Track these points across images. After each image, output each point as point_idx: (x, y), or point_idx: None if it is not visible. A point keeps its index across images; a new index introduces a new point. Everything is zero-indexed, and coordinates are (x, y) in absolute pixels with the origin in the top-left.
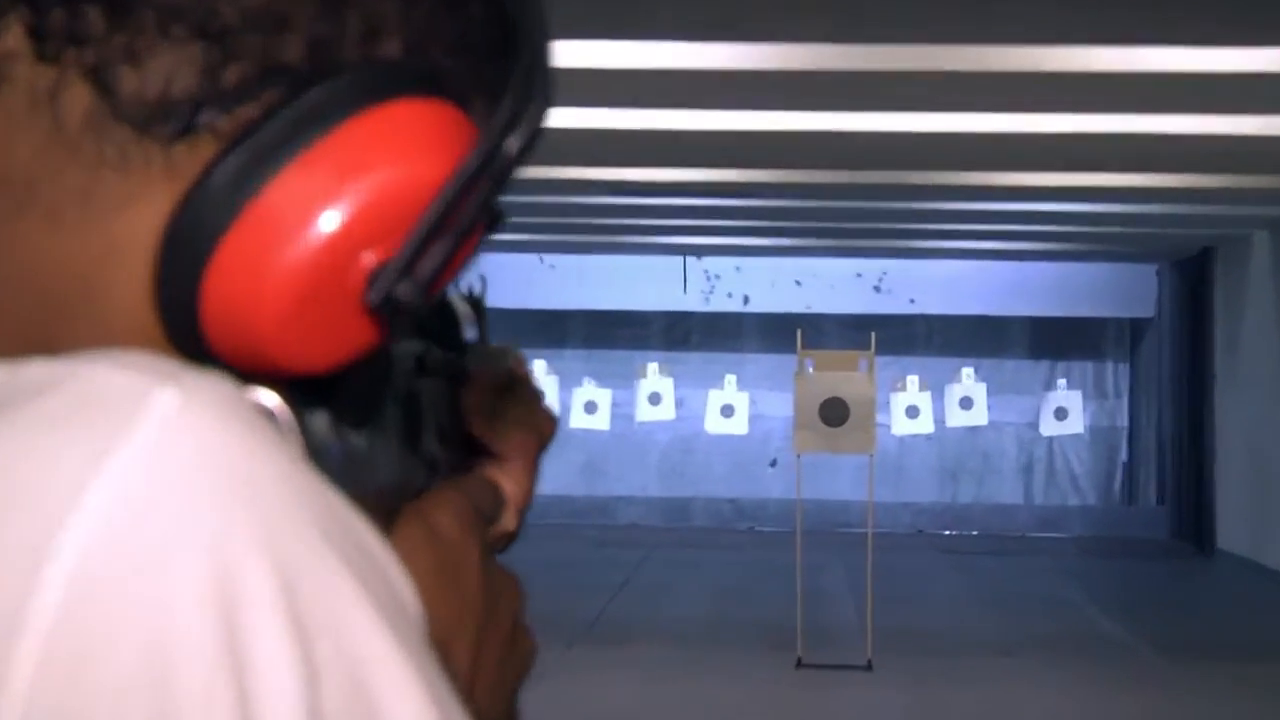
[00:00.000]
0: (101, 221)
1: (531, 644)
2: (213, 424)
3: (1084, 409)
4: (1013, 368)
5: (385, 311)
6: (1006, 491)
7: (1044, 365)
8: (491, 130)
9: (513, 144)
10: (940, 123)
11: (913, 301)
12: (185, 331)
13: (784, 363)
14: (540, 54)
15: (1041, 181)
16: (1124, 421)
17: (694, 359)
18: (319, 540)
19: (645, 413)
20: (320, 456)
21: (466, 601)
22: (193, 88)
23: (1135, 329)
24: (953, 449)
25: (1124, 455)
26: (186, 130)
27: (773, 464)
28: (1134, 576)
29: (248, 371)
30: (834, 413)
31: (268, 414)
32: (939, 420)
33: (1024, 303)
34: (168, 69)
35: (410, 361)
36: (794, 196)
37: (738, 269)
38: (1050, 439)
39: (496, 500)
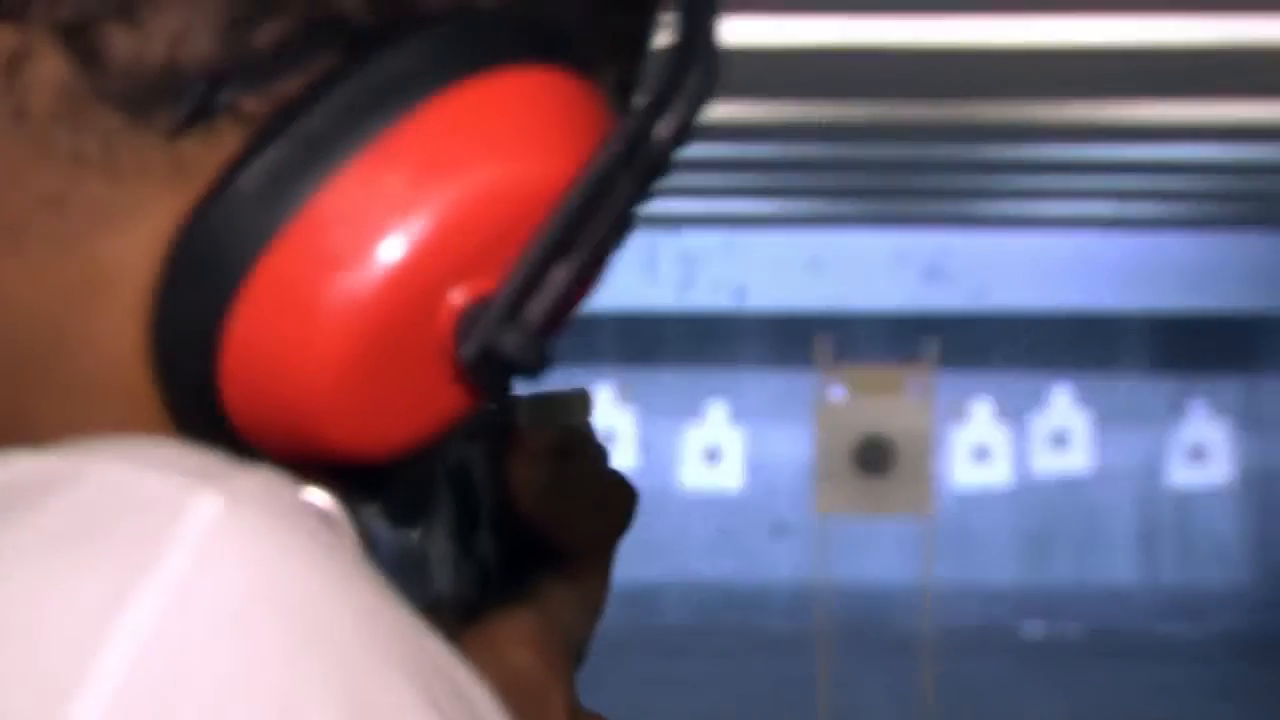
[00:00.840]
0: (80, 246)
1: None
2: (268, 540)
3: (1232, 446)
4: (1127, 388)
5: (485, 370)
6: (1120, 568)
7: (1172, 383)
8: (637, 111)
9: (664, 129)
10: (1021, 30)
11: (981, 292)
12: (191, 398)
13: (797, 384)
14: (702, 4)
15: (1170, 115)
16: None
17: (665, 379)
18: (408, 689)
19: None
20: (376, 561)
21: None
22: (210, 53)
23: None
24: (1041, 507)
25: None
26: (201, 114)
27: (779, 532)
28: None
29: (278, 456)
30: (873, 457)
31: (324, 518)
32: (1021, 465)
33: (1144, 292)
34: (174, 27)
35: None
36: (808, 141)
37: (728, 249)
38: (1183, 491)
39: (582, 616)
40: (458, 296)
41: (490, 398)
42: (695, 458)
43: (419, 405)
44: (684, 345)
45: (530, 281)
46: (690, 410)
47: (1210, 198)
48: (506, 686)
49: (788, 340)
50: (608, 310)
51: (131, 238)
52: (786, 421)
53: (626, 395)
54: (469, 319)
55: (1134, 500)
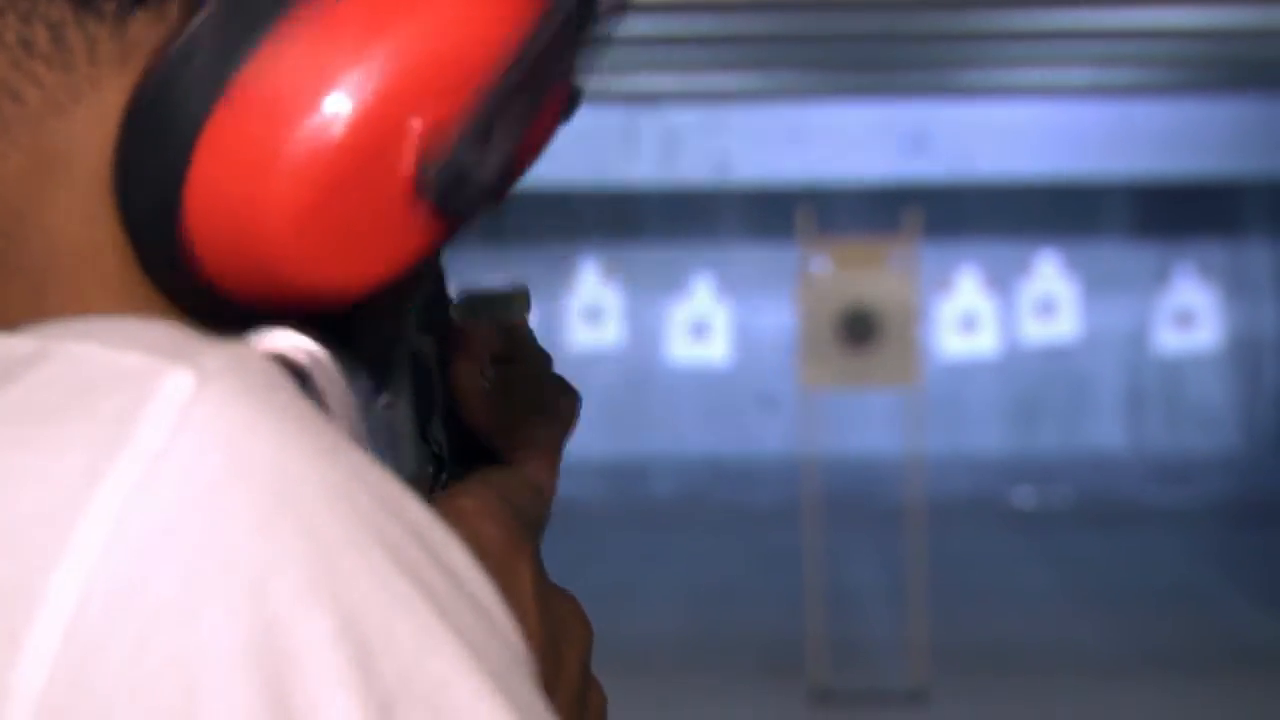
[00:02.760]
0: (32, 132)
1: (603, 699)
2: (242, 414)
3: (1218, 311)
4: (1112, 253)
5: (446, 202)
6: (1107, 435)
7: (1157, 248)
8: None
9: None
10: None
11: (963, 161)
12: (163, 258)
13: (781, 258)
14: None
15: None
16: (1277, 328)
17: (649, 255)
18: (387, 564)
19: (580, 335)
20: (345, 405)
21: None
22: None
23: None
24: (1028, 375)
25: (1277, 378)
26: None
27: (767, 405)
28: None
29: (253, 303)
30: (858, 328)
31: (304, 369)
32: (1008, 334)
33: (1126, 158)
34: None
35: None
36: (788, 13)
37: (710, 123)
38: (1169, 357)
39: (539, 504)
40: (420, 124)
41: (455, 231)
42: (682, 333)
43: (386, 237)
44: (667, 220)
45: (495, 108)
46: (676, 285)
47: (1190, 63)
48: (476, 555)
49: (771, 213)
50: (590, 187)
51: (84, 119)
52: (772, 294)
53: (611, 271)
54: (431, 143)
55: (1121, 367)
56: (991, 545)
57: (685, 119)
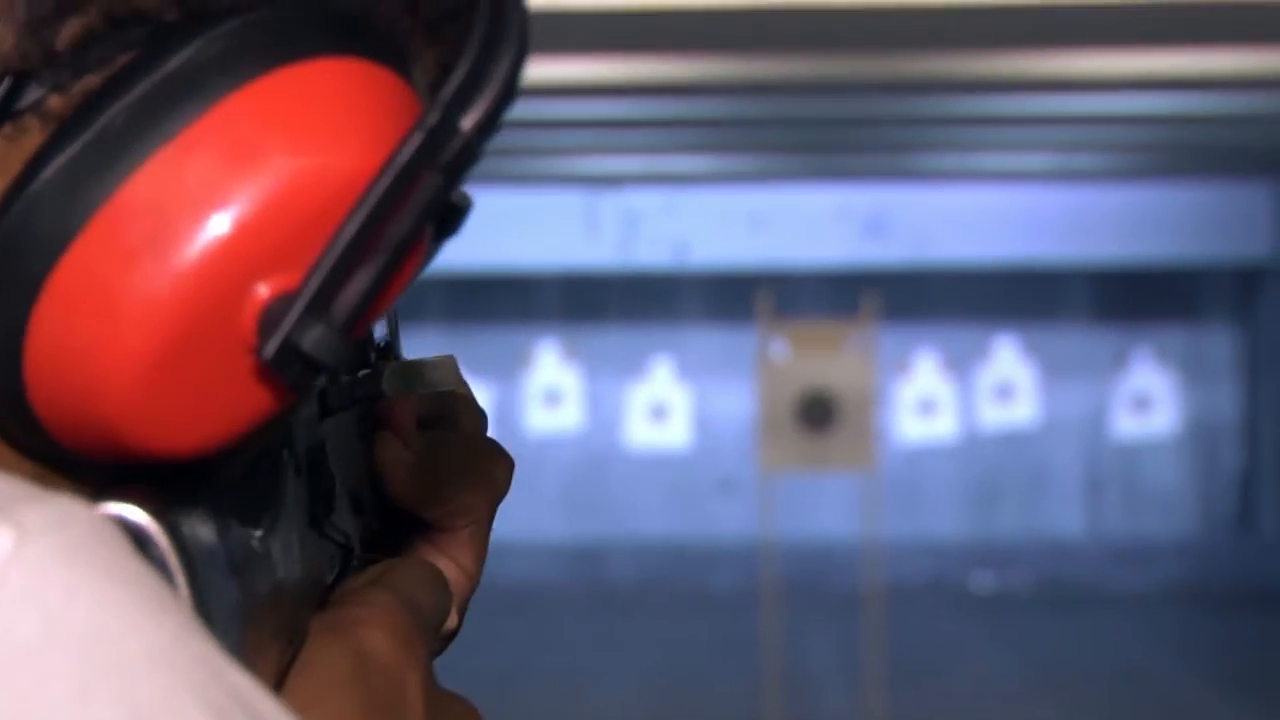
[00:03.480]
0: None
1: None
2: (61, 575)
3: (1175, 396)
4: (1071, 338)
5: (288, 367)
6: (1065, 519)
7: (1115, 333)
8: (439, 102)
9: (470, 121)
10: None
11: (923, 245)
12: (2, 404)
13: (740, 341)
14: None
15: (1110, 68)
16: (1234, 413)
17: (609, 338)
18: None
19: (539, 418)
20: (201, 568)
21: None
22: (11, 52)
23: (1248, 278)
24: (986, 460)
25: (1236, 462)
26: (4, 113)
27: (726, 489)
28: (1255, 639)
29: (93, 456)
30: (816, 412)
31: (134, 532)
32: (966, 418)
33: (1085, 243)
34: None
35: (310, 400)
36: (748, 97)
37: (669, 206)
38: (1127, 441)
39: (441, 596)
40: (263, 291)
41: (299, 393)
42: (641, 416)
43: (226, 402)
44: (627, 303)
45: (333, 276)
46: (635, 368)
47: (1150, 149)
48: (361, 670)
49: (730, 296)
50: (551, 269)
51: None
52: (732, 378)
53: (571, 353)
54: (272, 314)
55: (1079, 451)
56: (950, 630)
57: (645, 202)
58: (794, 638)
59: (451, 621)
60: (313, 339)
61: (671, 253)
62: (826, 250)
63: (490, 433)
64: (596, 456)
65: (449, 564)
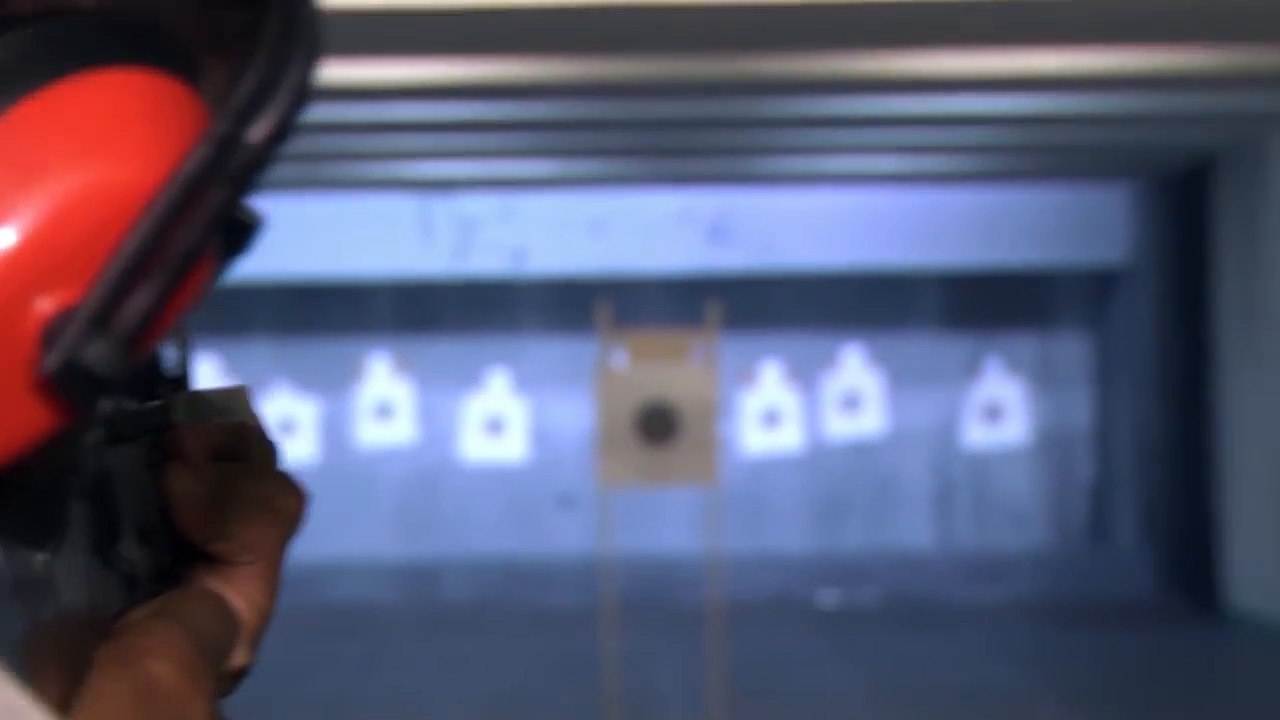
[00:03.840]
0: None
1: None
2: None
3: (1027, 405)
4: (919, 346)
5: (69, 384)
6: (914, 532)
7: (966, 341)
8: (227, 113)
9: (259, 132)
10: None
11: (767, 251)
12: None
13: (579, 351)
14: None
15: (960, 67)
16: (1086, 421)
17: (443, 349)
18: None
19: (370, 432)
20: None
21: None
22: None
23: (1101, 284)
24: (833, 472)
25: (1088, 473)
26: None
27: (564, 504)
28: (1108, 653)
29: None
30: (657, 425)
31: None
32: (812, 429)
33: (935, 249)
34: None
35: (100, 427)
36: (587, 99)
37: (506, 211)
38: (978, 452)
39: (228, 628)
40: (44, 305)
41: (82, 410)
42: (477, 430)
43: (5, 418)
44: (462, 312)
45: (116, 291)
46: (470, 380)
47: (1000, 151)
48: (147, 700)
49: (569, 305)
50: (382, 278)
51: None
52: (570, 390)
53: (403, 365)
54: (54, 329)
55: (929, 462)
56: (795, 646)
57: (481, 208)
58: (635, 656)
59: (242, 658)
60: (94, 354)
61: (508, 260)
62: (668, 257)
63: (319, 447)
64: (430, 471)
65: (239, 598)
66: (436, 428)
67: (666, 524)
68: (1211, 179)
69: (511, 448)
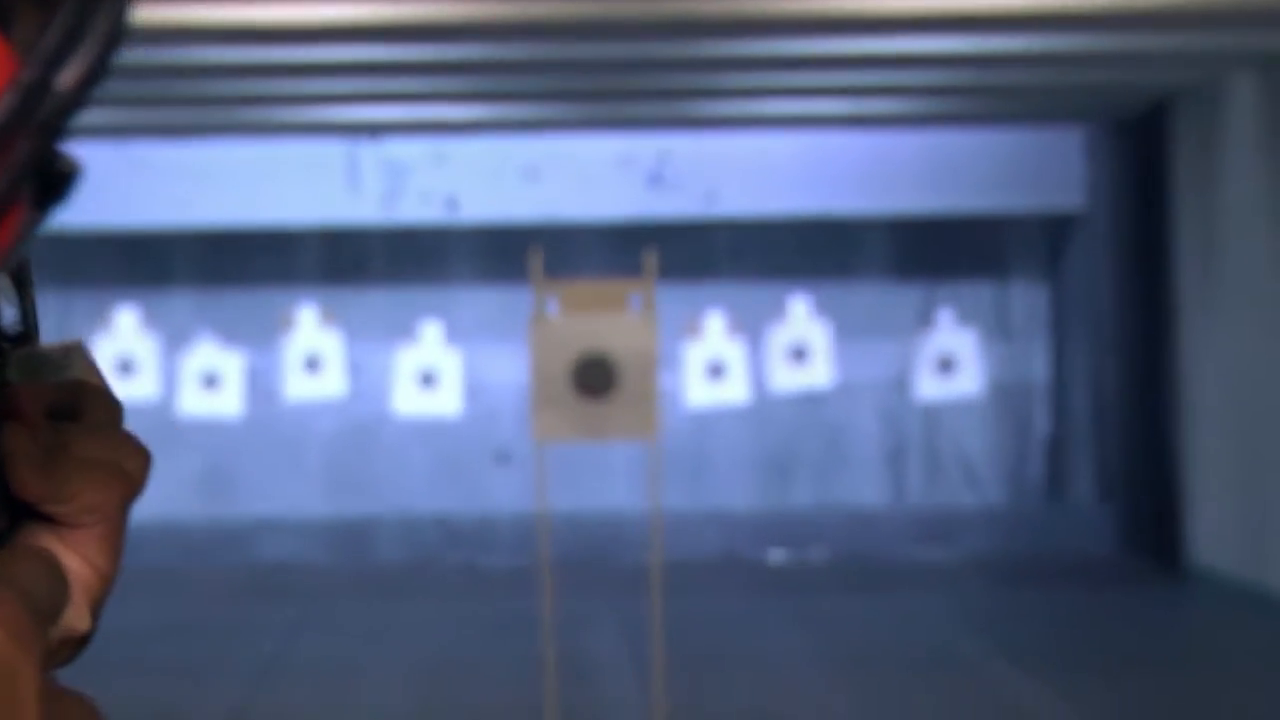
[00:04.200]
0: None
1: None
2: None
3: (980, 357)
4: (869, 295)
5: None
6: (864, 489)
7: (916, 290)
8: (35, 59)
9: (69, 78)
10: None
11: (710, 197)
12: None
13: (514, 301)
14: None
15: (909, 5)
16: (1043, 373)
17: (373, 299)
18: None
19: (298, 386)
20: None
21: None
22: None
23: (1055, 230)
24: (780, 426)
25: (1044, 427)
26: None
27: (501, 460)
28: (1065, 614)
29: None
30: (594, 377)
31: None
32: (758, 382)
33: (883, 194)
34: None
35: None
36: (520, 40)
37: (438, 157)
38: (929, 405)
39: (55, 589)
40: None
41: None
42: (409, 382)
43: None
44: (393, 261)
45: None
46: (401, 331)
47: (950, 92)
48: None
49: (503, 254)
50: (308, 225)
51: None
52: (505, 341)
53: (332, 317)
54: None
55: (879, 416)
56: (741, 608)
57: (410, 153)
58: (574, 618)
59: (83, 623)
60: None
61: (440, 207)
62: (606, 204)
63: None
64: (361, 427)
65: (79, 561)
66: (367, 381)
67: (606, 481)
68: (1169, 121)
69: (445, 402)
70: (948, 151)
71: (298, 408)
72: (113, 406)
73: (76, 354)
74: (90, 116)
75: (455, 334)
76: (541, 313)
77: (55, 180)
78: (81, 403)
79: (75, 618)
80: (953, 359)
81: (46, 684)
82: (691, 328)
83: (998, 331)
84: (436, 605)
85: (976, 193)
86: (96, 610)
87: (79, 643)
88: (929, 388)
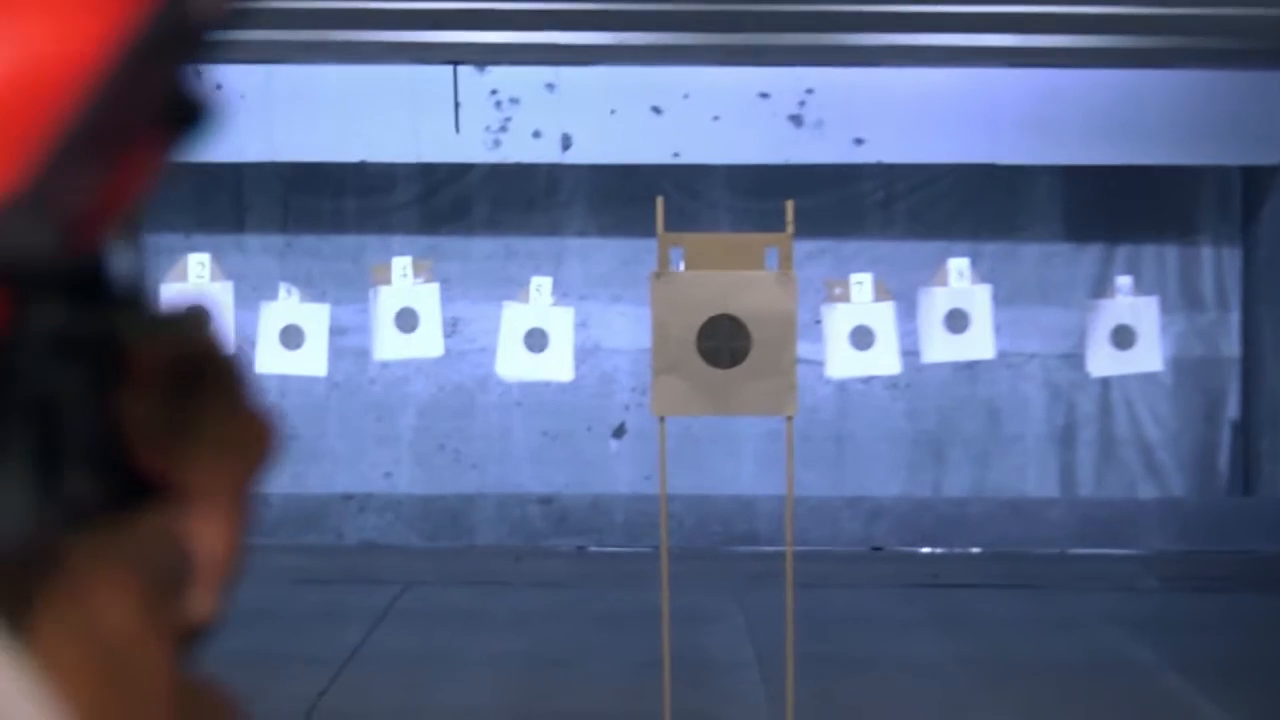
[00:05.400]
0: None
1: None
2: None
3: (1163, 329)
4: (1038, 257)
5: (4, 274)
6: (1028, 476)
7: (1093, 252)
8: None
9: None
10: None
11: (860, 143)
12: None
13: (633, 253)
14: None
15: None
16: (1235, 350)
17: (475, 249)
18: None
19: (390, 346)
20: None
21: None
22: None
23: (1252, 184)
24: (935, 403)
25: (1234, 410)
26: None
27: (618, 434)
28: (1251, 623)
29: None
30: (722, 343)
31: None
32: (910, 352)
33: (1056, 141)
34: None
35: (43, 338)
36: None
37: (550, 87)
38: (1105, 382)
39: (178, 567)
40: None
41: (14, 304)
42: (515, 343)
43: None
44: (497, 206)
45: (56, 173)
46: (508, 286)
47: (1136, 25)
48: (95, 644)
49: (623, 199)
50: (402, 164)
51: None
52: (624, 299)
53: (427, 267)
54: None
55: (1046, 394)
56: (882, 605)
57: (518, 83)
58: (695, 612)
59: (204, 607)
60: (30, 235)
61: (552, 146)
62: (739, 146)
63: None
64: (459, 392)
65: (197, 539)
66: (468, 341)
67: (733, 460)
68: None
69: (554, 366)
70: (1131, 93)
71: (388, 369)
72: (236, 372)
73: (202, 317)
74: None
75: (566, 289)
76: (665, 268)
77: (191, 109)
78: (203, 368)
79: (196, 601)
80: (1132, 330)
81: (182, 674)
82: (834, 289)
83: (1184, 299)
84: (540, 594)
85: (1163, 141)
86: (220, 595)
87: (201, 630)
88: (1104, 362)
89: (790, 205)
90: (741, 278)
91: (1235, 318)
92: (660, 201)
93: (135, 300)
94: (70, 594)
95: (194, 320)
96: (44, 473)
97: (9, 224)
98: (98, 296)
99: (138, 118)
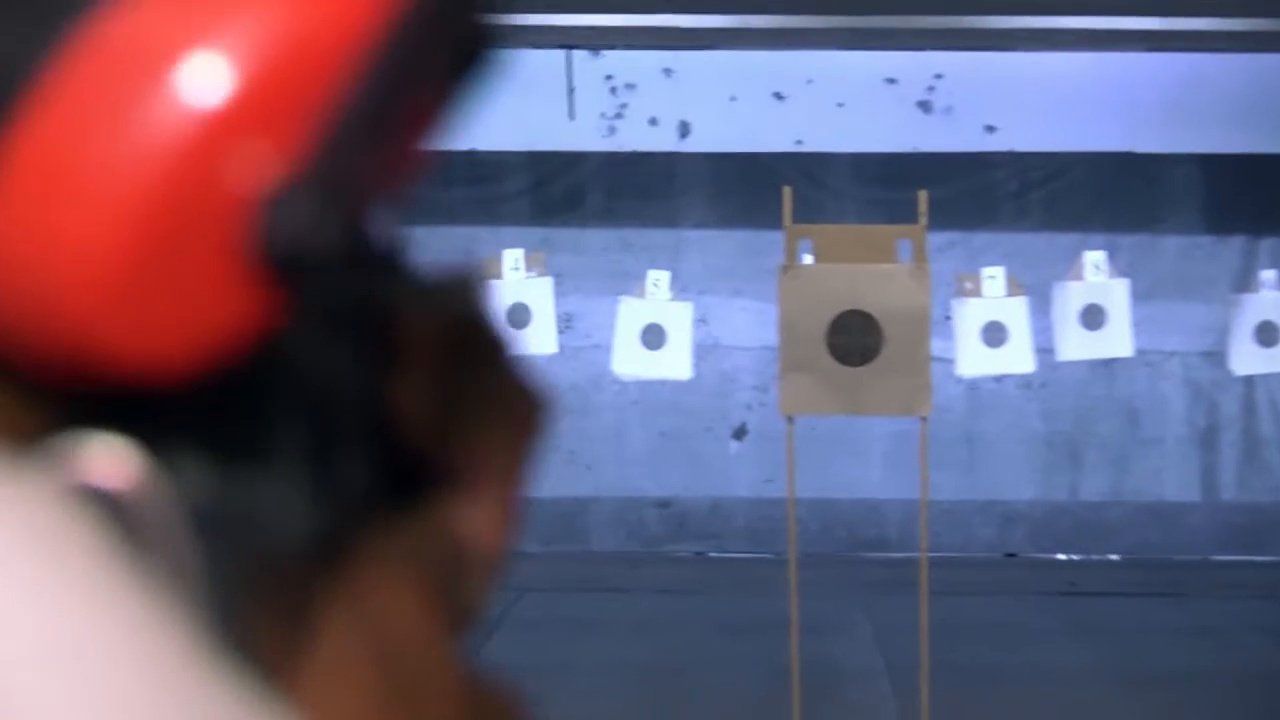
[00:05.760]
0: None
1: None
2: (11, 581)
3: None
4: (1178, 250)
5: (289, 265)
6: (1168, 480)
7: (1235, 244)
8: None
9: None
10: None
11: (991, 130)
12: None
13: (757, 245)
14: None
15: None
16: None
17: (590, 241)
18: None
19: None
20: (195, 534)
21: None
22: None
23: None
24: (1071, 403)
25: None
26: None
27: (739, 435)
28: None
29: (34, 381)
30: (853, 339)
31: (113, 493)
32: (1044, 350)
33: (1198, 128)
34: None
35: (316, 319)
36: None
37: (667, 73)
38: (1249, 381)
39: (458, 561)
40: (248, 169)
41: (301, 295)
42: (632, 340)
43: (206, 309)
44: (612, 196)
45: (344, 151)
46: (624, 280)
47: None
48: (383, 649)
49: (745, 189)
50: (516, 154)
51: None
52: (746, 293)
53: (540, 265)
54: (268, 201)
55: (1188, 394)
56: (1017, 614)
57: (636, 67)
58: (822, 620)
59: (476, 600)
60: (310, 227)
61: (668, 134)
62: (866, 134)
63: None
64: (573, 392)
65: (472, 528)
66: (582, 337)
67: (862, 462)
68: None
69: (672, 364)
70: (1276, 78)
71: None
72: (507, 342)
73: (470, 283)
74: None
75: (684, 283)
76: (792, 261)
77: (470, 49)
78: (475, 341)
79: (471, 593)
80: (1277, 326)
81: (467, 676)
82: (965, 283)
83: None
84: (659, 601)
85: None
86: (490, 585)
87: (470, 625)
88: (1248, 360)
89: (924, 196)
90: (874, 271)
91: None
92: (787, 192)
93: (400, 268)
94: (356, 600)
95: (464, 287)
96: (320, 467)
97: (288, 210)
98: (364, 266)
99: (420, 84)
